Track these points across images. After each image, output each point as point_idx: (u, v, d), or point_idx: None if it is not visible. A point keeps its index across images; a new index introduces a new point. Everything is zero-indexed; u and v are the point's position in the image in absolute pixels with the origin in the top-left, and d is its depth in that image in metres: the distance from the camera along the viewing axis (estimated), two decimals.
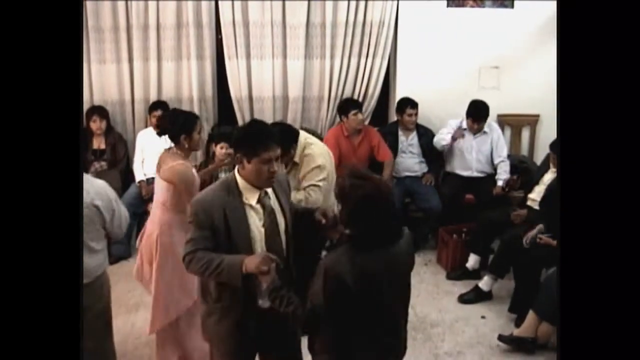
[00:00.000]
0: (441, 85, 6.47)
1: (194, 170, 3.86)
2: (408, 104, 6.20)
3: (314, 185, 4.08)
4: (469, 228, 5.79)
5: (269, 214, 2.92)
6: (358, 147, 5.95)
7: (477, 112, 5.96)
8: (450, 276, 5.69)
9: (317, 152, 4.18)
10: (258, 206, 2.89)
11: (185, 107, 6.16)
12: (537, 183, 5.34)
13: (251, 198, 2.87)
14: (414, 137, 6.32)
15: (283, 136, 3.35)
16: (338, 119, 6.19)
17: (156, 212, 3.87)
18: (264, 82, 6.26)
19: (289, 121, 6.09)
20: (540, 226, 4.54)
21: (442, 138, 6.08)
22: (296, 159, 4.14)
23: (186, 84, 6.31)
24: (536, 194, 5.25)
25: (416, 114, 6.21)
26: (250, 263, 2.70)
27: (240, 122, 6.29)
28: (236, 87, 6.28)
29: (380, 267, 2.58)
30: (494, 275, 5.19)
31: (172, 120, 3.84)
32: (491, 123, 6.12)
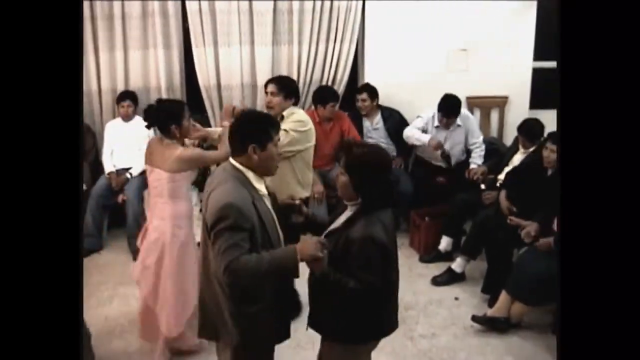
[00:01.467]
0: (410, 68, 6.46)
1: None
2: (355, 91, 6.23)
3: (286, 130, 4.17)
4: (441, 210, 5.79)
5: (272, 202, 2.96)
6: (330, 133, 5.97)
7: (449, 108, 5.83)
8: (423, 259, 5.71)
9: (302, 115, 4.46)
10: (267, 194, 2.92)
11: (153, 96, 6.12)
12: (506, 164, 5.39)
13: (261, 188, 2.85)
14: (378, 122, 6.31)
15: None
16: (309, 105, 6.18)
17: (165, 207, 3.83)
18: (232, 69, 6.21)
19: (259, 108, 6.06)
20: (535, 225, 4.53)
21: (414, 137, 5.93)
22: (284, 113, 4.37)
23: (153, 73, 6.25)
24: (502, 175, 5.31)
25: (370, 100, 6.18)
26: (306, 250, 2.68)
27: (209, 111, 6.29)
28: (204, 76, 6.24)
29: (391, 229, 2.84)
30: (466, 257, 5.23)
31: (159, 111, 3.83)
32: (464, 113, 6.02)
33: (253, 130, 2.80)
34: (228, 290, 2.75)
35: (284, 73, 6.15)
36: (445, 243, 5.65)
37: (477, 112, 6.65)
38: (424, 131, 5.95)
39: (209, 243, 2.70)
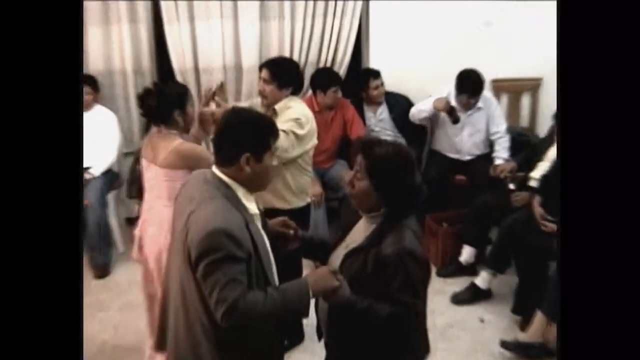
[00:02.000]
0: (423, 48, 6.44)
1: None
2: (369, 75, 6.21)
3: (285, 131, 4.12)
4: (461, 215, 5.77)
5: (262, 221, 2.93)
6: (331, 124, 5.97)
7: (470, 85, 5.82)
8: (441, 273, 5.70)
9: (301, 109, 4.40)
10: (258, 213, 2.86)
11: (117, 81, 6.14)
12: (540, 159, 5.34)
13: (252, 206, 2.79)
14: (383, 111, 6.33)
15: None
16: (304, 90, 5.99)
17: (164, 211, 3.79)
18: (212, 49, 6.17)
19: (244, 96, 6.10)
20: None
21: (417, 109, 6.02)
22: (277, 107, 4.35)
23: (117, 53, 6.20)
24: (539, 173, 5.25)
25: (382, 84, 6.21)
26: (320, 283, 2.66)
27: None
28: (179, 57, 6.19)
29: (421, 237, 2.88)
30: (492, 270, 5.21)
31: (159, 95, 3.86)
32: (485, 95, 6.00)
33: (249, 136, 2.71)
34: (216, 335, 2.65)
35: (273, 53, 6.13)
36: (467, 254, 5.63)
37: (505, 98, 6.63)
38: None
39: (189, 275, 2.60)
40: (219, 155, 2.74)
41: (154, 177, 3.89)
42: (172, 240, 2.84)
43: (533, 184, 5.28)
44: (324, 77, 5.95)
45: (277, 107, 4.35)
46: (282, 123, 4.13)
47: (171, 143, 3.78)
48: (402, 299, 2.72)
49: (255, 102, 4.56)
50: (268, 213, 3.09)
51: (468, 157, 6.14)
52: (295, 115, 4.30)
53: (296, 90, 4.47)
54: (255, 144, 2.69)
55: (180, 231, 2.64)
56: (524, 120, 6.70)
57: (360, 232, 2.91)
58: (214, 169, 2.75)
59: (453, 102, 5.87)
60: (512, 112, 6.63)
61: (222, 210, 2.58)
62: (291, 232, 3.08)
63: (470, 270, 5.58)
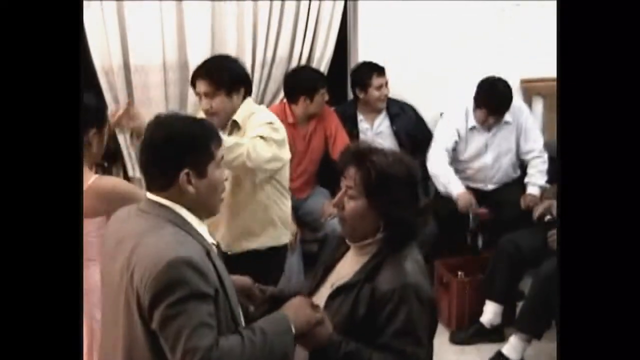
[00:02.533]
0: (429, 39, 6.42)
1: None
2: (373, 70, 6.15)
3: (263, 137, 4.20)
4: (483, 261, 5.74)
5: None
6: (310, 139, 5.95)
7: (493, 99, 5.80)
8: (457, 338, 5.63)
9: (267, 112, 4.57)
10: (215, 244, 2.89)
11: None
12: None
13: (205, 234, 2.79)
14: (382, 121, 6.30)
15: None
16: (269, 96, 6.20)
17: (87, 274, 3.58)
18: (147, 41, 5.94)
19: (191, 104, 6.00)
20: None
21: (440, 180, 5.97)
22: (237, 118, 4.35)
23: None
24: None
25: (387, 85, 6.18)
26: (300, 318, 2.72)
27: (110, 105, 5.97)
28: (102, 51, 5.94)
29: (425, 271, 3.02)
30: (525, 335, 5.11)
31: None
32: (515, 104, 5.97)
33: (184, 148, 2.69)
34: None
35: (232, 46, 6.05)
36: (490, 313, 5.51)
37: (539, 103, 6.65)
38: (456, 142, 6.05)
39: (139, 328, 2.55)
40: (151, 179, 2.73)
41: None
42: (104, 299, 2.81)
43: None
44: (309, 78, 5.90)
45: (236, 118, 4.34)
46: (253, 129, 4.25)
47: (85, 180, 3.49)
48: (400, 346, 2.76)
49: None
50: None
51: (492, 187, 6.19)
52: (266, 118, 4.36)
53: (248, 91, 4.49)
54: (194, 156, 2.69)
55: (118, 275, 2.61)
56: None
57: (348, 267, 2.97)
58: (149, 195, 2.74)
59: (470, 117, 5.97)
60: (549, 122, 6.54)
61: (176, 237, 2.59)
62: (256, 290, 3.18)
63: (496, 334, 5.47)
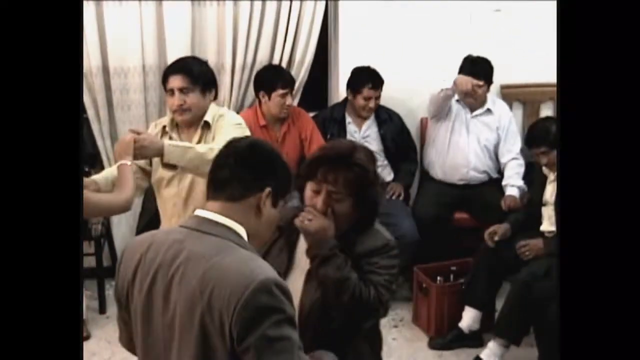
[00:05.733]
0: (409, 43, 6.47)
1: None
2: (368, 80, 6.17)
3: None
4: (463, 266, 5.79)
5: None
6: (283, 142, 5.95)
7: (475, 62, 5.96)
8: (435, 343, 5.66)
9: (234, 114, 4.70)
10: None
11: None
12: None
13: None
14: (370, 126, 6.34)
15: None
16: (250, 100, 6.23)
17: None
18: (127, 43, 6.04)
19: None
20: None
21: (435, 94, 6.03)
22: (208, 119, 4.44)
23: None
24: None
25: (378, 98, 6.24)
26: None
27: (90, 111, 6.12)
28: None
29: None
30: (504, 341, 5.16)
31: None
32: (495, 98, 6.21)
33: (276, 168, 2.71)
34: None
35: (212, 49, 6.16)
36: (469, 318, 5.56)
37: (518, 110, 6.72)
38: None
39: (220, 347, 2.45)
40: (225, 188, 2.64)
41: None
42: (143, 323, 2.65)
43: (549, 226, 5.37)
44: (266, 75, 5.96)
45: (207, 119, 4.41)
46: (222, 131, 4.29)
47: None
48: (381, 282, 3.05)
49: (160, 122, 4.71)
50: None
51: (474, 176, 6.24)
52: (234, 120, 4.46)
53: (215, 96, 4.61)
54: (279, 182, 2.68)
55: (184, 298, 2.50)
56: None
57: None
58: (204, 214, 2.64)
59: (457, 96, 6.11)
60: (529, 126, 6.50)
61: (254, 258, 2.54)
62: None
63: (475, 340, 5.52)
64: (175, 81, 4.37)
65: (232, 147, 2.74)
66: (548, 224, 5.32)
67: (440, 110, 6.14)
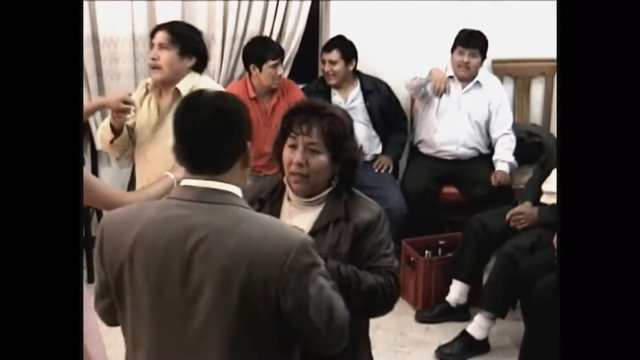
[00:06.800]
0: (400, 15, 6.44)
1: None
2: (326, 47, 6.33)
3: None
4: (450, 240, 5.81)
5: None
6: (272, 114, 5.94)
7: (467, 32, 6.00)
8: (423, 317, 5.69)
9: (215, 85, 4.71)
10: None
11: None
12: (554, 167, 5.25)
13: None
14: (356, 97, 6.35)
15: None
16: (240, 71, 6.24)
17: None
18: (117, 13, 6.06)
19: None
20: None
21: (412, 79, 6.07)
22: (180, 87, 4.35)
23: None
24: (554, 184, 5.18)
25: (344, 62, 6.23)
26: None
27: (89, 88, 6.11)
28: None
29: None
30: (490, 314, 5.17)
31: None
32: (486, 72, 6.22)
33: (247, 122, 2.68)
34: None
35: (202, 20, 6.14)
36: (457, 292, 5.59)
37: (510, 85, 6.72)
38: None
39: (266, 316, 2.49)
40: (209, 159, 2.60)
41: None
42: (157, 300, 2.60)
43: (544, 198, 5.35)
44: (256, 47, 5.95)
45: (179, 86, 4.32)
46: None
47: None
48: (388, 265, 3.06)
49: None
50: None
51: (463, 152, 6.24)
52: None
53: (199, 67, 4.51)
54: (250, 128, 2.68)
55: (211, 274, 2.49)
56: (535, 115, 6.80)
57: (300, 221, 3.08)
58: (200, 182, 2.59)
59: (449, 69, 6.15)
60: (520, 102, 6.69)
61: (277, 220, 2.78)
62: None
63: (462, 313, 5.56)
64: (157, 36, 4.37)
65: (197, 119, 2.63)
66: (551, 185, 5.28)
67: (417, 96, 6.20)
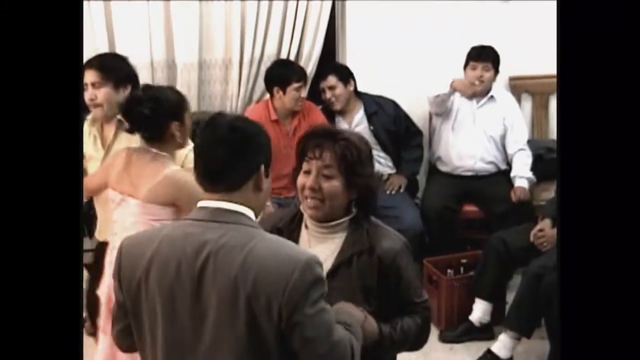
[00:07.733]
0: (416, 38, 6.45)
1: None
2: (323, 73, 6.29)
3: None
4: (472, 259, 5.79)
5: None
6: (294, 136, 5.84)
7: (478, 47, 6.03)
8: (446, 336, 5.68)
9: None
10: None
11: None
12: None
13: None
14: (360, 121, 6.32)
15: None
16: (258, 94, 6.24)
17: None
18: (133, 37, 6.05)
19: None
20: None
21: (433, 95, 6.07)
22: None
23: None
24: None
25: (343, 85, 6.20)
26: (353, 313, 2.85)
27: None
28: (89, 49, 5.58)
29: None
30: (515, 333, 5.16)
31: (156, 103, 3.75)
32: (500, 89, 6.21)
33: (263, 145, 2.72)
34: None
35: (220, 43, 6.18)
36: (480, 311, 5.58)
37: (527, 102, 6.72)
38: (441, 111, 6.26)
39: (269, 332, 2.51)
40: (221, 179, 2.65)
41: (129, 213, 3.78)
42: (169, 313, 2.64)
43: None
44: (280, 69, 5.94)
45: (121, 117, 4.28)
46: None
47: (161, 168, 3.70)
48: (420, 299, 3.10)
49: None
50: None
51: (481, 167, 6.23)
52: None
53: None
54: (267, 151, 2.73)
55: (220, 289, 2.53)
56: (554, 132, 6.45)
57: (319, 250, 2.98)
58: (212, 203, 2.65)
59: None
60: (537, 119, 6.71)
61: (285, 240, 2.66)
62: None
63: (485, 332, 5.55)
64: (88, 76, 4.31)
65: (214, 134, 2.70)
66: None
67: (442, 111, 6.17)
